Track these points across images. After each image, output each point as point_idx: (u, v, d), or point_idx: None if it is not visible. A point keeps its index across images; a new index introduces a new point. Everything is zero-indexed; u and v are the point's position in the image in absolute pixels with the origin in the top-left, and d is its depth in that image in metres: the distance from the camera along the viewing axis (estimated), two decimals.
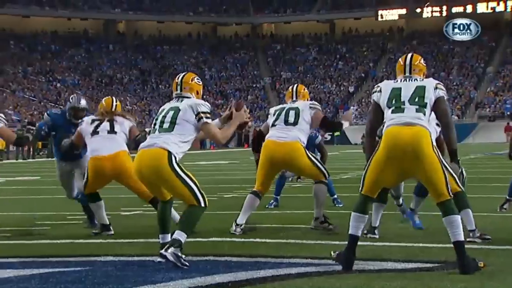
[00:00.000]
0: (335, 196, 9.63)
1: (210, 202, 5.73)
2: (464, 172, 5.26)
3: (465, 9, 59.03)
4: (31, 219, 8.03)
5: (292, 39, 67.21)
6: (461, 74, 57.91)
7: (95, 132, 7.16)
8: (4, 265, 5.52)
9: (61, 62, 58.10)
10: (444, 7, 59.74)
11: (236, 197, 10.51)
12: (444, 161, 5.27)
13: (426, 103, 5.22)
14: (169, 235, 5.57)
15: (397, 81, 5.44)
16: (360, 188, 5.23)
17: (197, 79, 5.75)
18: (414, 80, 5.36)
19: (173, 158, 5.33)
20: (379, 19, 63.26)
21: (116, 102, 7.46)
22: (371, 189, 5.19)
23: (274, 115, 7.38)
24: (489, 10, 59.91)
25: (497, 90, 54.94)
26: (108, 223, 7.26)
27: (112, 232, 7.18)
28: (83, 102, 7.80)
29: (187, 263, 5.15)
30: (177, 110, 5.48)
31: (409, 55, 5.61)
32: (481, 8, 59.74)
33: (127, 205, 9.95)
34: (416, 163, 5.06)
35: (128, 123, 7.31)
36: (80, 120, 7.47)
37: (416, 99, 5.23)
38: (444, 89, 5.37)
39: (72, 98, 7.91)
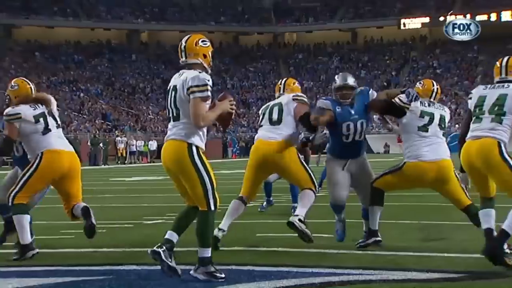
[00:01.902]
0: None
1: None
2: None
3: (489, 17, 58.52)
4: (55, 228, 8.08)
5: (314, 48, 67.18)
6: (485, 83, 56.98)
7: (47, 130, 6.51)
8: (29, 273, 5.56)
9: (84, 72, 58.60)
10: (468, 16, 59.26)
11: (258, 206, 10.49)
12: None
13: (505, 112, 5.36)
14: (177, 236, 5.35)
15: (486, 87, 5.64)
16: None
17: (202, 41, 5.17)
18: (501, 87, 5.49)
19: (194, 149, 5.04)
20: (402, 27, 62.96)
21: (31, 83, 6.71)
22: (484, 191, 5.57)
23: (261, 115, 7.01)
24: None
25: None
26: (30, 241, 6.32)
27: (37, 251, 6.34)
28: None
29: (221, 275, 5.04)
30: (175, 89, 5.07)
31: (506, 58, 5.73)
32: (506, 16, 59.21)
33: (150, 214, 9.97)
34: (488, 172, 5.35)
35: (54, 106, 6.71)
36: (13, 113, 6.38)
37: (496, 108, 5.40)
38: None
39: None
